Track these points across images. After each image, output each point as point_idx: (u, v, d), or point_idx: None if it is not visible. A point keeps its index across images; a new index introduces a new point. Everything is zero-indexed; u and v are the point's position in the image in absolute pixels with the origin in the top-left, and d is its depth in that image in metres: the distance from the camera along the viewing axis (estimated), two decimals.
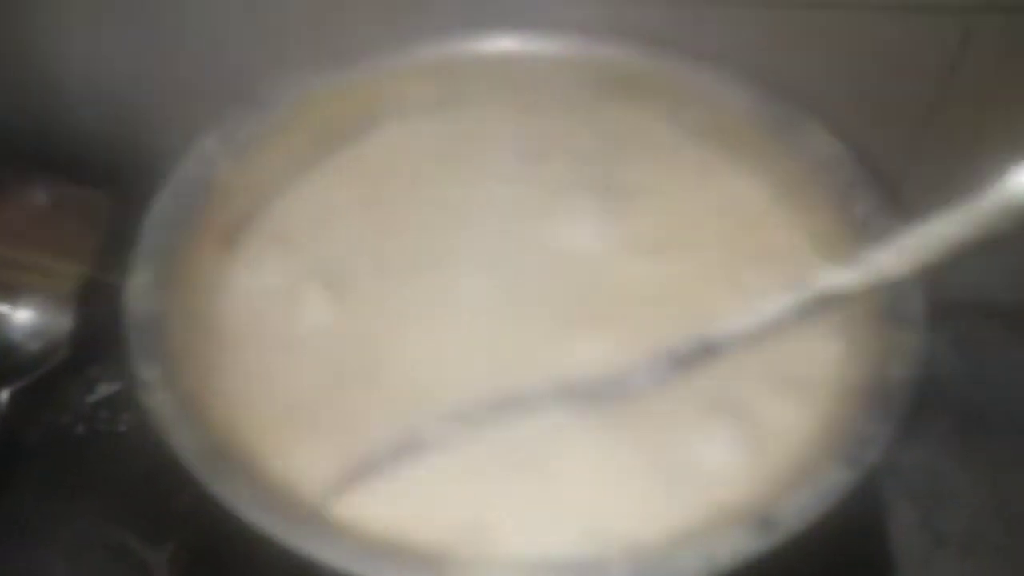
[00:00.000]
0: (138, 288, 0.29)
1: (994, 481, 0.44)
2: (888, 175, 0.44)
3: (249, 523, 0.24)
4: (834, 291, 0.26)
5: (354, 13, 0.38)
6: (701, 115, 0.34)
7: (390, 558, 0.24)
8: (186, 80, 0.41)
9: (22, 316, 0.41)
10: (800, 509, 0.23)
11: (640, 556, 0.23)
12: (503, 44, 0.35)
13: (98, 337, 0.40)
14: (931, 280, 0.45)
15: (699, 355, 0.27)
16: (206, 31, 0.40)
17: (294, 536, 0.24)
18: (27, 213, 0.34)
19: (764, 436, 0.26)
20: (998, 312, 0.49)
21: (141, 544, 0.37)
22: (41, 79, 0.42)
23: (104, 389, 0.41)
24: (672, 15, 0.37)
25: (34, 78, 0.42)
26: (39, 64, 0.42)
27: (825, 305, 0.26)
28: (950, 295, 0.50)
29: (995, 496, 0.44)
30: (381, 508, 0.26)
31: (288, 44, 0.39)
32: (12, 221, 0.34)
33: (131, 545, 0.37)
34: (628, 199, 0.33)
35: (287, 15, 0.40)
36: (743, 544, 0.22)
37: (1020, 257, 0.45)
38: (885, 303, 0.27)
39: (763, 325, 0.26)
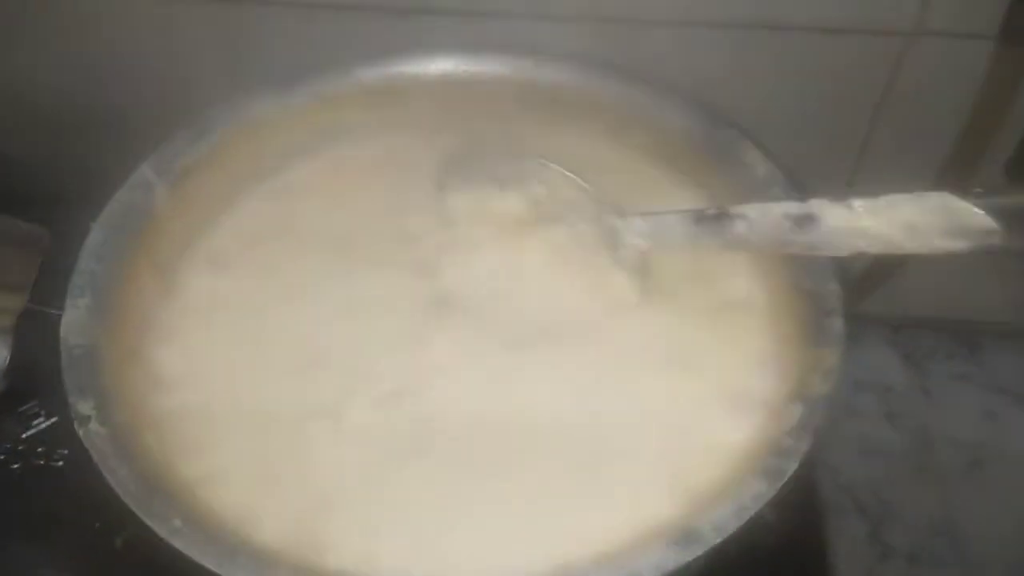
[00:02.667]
0: (73, 321, 0.29)
1: (941, 496, 0.45)
2: (826, 188, 0.45)
3: (183, 554, 0.24)
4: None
5: (292, 37, 0.39)
6: (643, 135, 0.35)
7: None
8: (122, 106, 0.41)
9: None
10: (720, 522, 0.23)
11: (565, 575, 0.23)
12: (443, 65, 0.35)
13: (34, 371, 0.40)
14: (881, 297, 0.47)
15: None
16: (142, 56, 0.40)
17: (229, 566, 0.24)
18: None
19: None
20: (946, 328, 0.50)
21: None
22: None
23: (41, 423, 0.40)
24: (623, 35, 0.37)
25: None
26: None
27: None
28: (900, 312, 0.51)
29: (942, 511, 0.44)
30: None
31: (225, 69, 0.39)
32: None
33: None
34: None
35: (218, 39, 0.40)
36: (665, 559, 0.22)
37: (967, 276, 0.47)
38: (808, 322, 0.28)
39: None
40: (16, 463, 0.39)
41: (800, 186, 0.32)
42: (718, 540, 0.22)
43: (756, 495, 0.23)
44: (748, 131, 0.33)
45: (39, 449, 0.39)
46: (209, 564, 0.24)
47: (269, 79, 0.35)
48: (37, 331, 0.38)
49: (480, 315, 0.30)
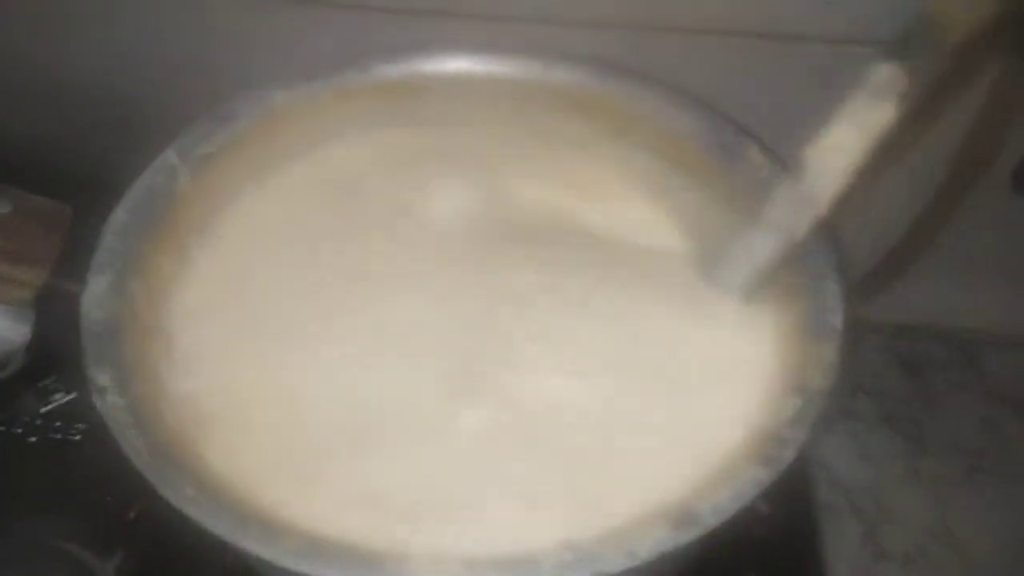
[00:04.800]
0: (94, 295, 0.30)
1: (937, 499, 0.45)
2: None
3: (196, 523, 0.25)
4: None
5: (316, 32, 0.40)
6: (649, 136, 0.35)
7: (335, 556, 0.24)
8: (150, 92, 0.42)
9: None
10: (719, 505, 0.24)
11: (567, 551, 0.23)
12: (458, 64, 0.36)
13: (54, 347, 0.41)
14: (882, 303, 0.48)
15: None
16: (171, 45, 0.41)
17: (241, 535, 0.24)
18: None
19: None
20: (945, 335, 0.51)
21: (90, 555, 0.37)
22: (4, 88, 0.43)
23: (59, 399, 0.41)
24: (624, 40, 0.38)
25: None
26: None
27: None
28: (899, 318, 0.52)
29: (938, 514, 0.45)
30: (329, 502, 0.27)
31: (251, 60, 0.40)
32: None
33: (80, 555, 0.37)
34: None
35: (249, 33, 0.41)
36: (663, 539, 0.23)
37: (968, 282, 0.47)
38: (809, 316, 0.28)
39: None
40: (34, 436, 0.40)
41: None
42: (716, 523, 0.23)
43: (754, 481, 0.24)
44: (754, 135, 0.34)
45: (57, 423, 0.40)
46: (221, 532, 0.25)
47: (291, 72, 0.36)
48: (58, 308, 0.39)
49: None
